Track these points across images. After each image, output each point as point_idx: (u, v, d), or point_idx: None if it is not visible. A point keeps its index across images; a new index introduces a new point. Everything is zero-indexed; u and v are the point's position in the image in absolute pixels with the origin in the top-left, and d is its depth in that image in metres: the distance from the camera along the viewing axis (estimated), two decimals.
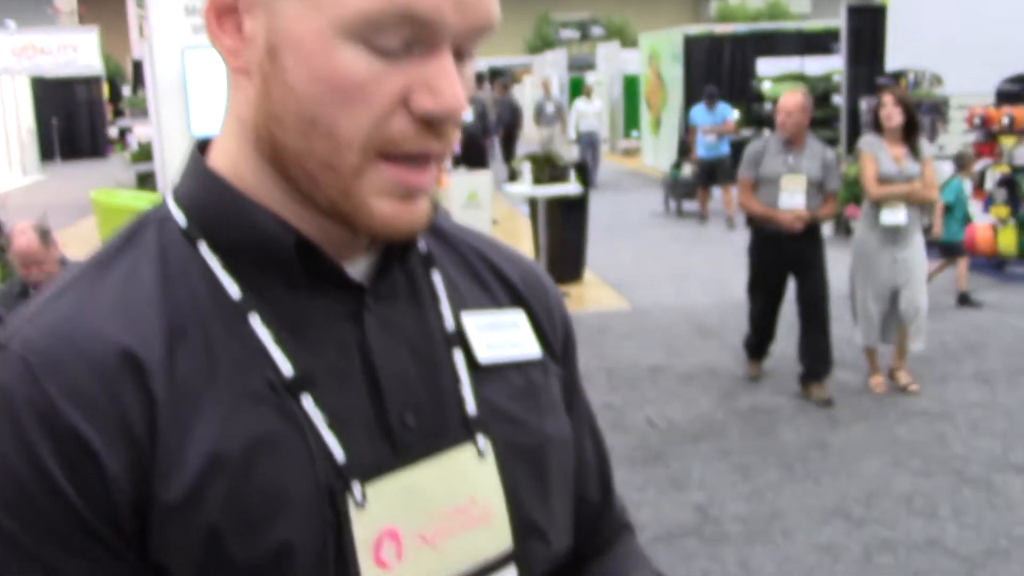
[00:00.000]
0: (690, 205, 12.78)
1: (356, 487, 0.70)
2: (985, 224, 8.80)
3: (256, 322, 0.71)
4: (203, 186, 0.75)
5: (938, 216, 7.69)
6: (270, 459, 0.68)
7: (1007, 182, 8.80)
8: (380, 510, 0.70)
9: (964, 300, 7.71)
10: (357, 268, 0.77)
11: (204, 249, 0.73)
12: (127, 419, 0.66)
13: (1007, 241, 8.76)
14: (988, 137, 8.97)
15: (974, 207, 8.53)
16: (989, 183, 8.98)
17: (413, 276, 0.81)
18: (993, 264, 8.86)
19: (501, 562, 0.76)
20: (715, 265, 9.45)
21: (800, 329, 5.72)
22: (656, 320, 7.71)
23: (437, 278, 0.83)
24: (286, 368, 0.71)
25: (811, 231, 5.53)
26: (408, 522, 0.72)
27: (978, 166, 8.82)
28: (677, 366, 6.47)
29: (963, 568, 3.76)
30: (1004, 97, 9.32)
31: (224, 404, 0.68)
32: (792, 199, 5.46)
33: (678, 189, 12.72)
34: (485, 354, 0.82)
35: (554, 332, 0.91)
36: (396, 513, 0.71)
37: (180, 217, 0.75)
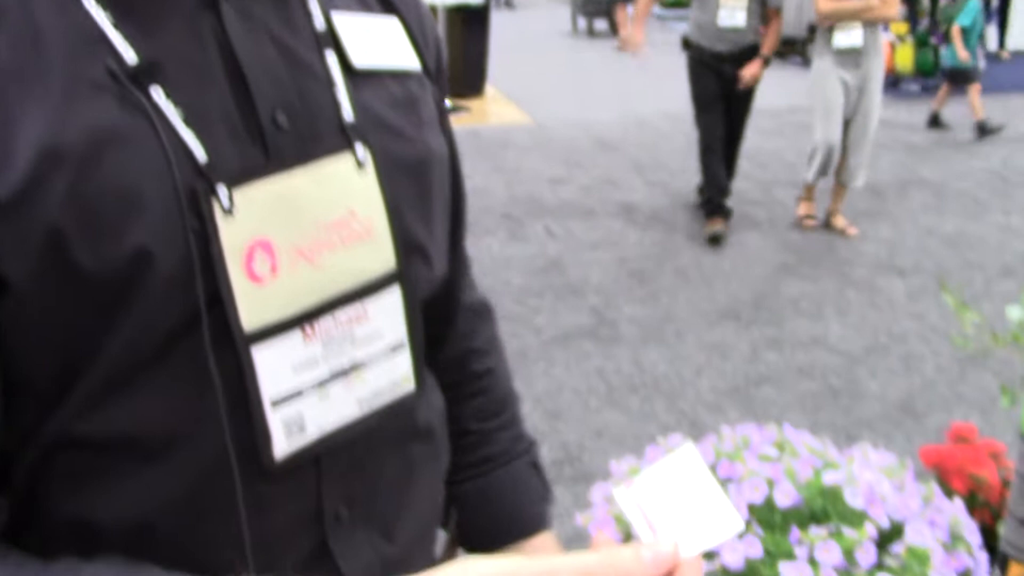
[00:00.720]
0: (601, 24, 12.50)
1: (222, 191, 0.63)
2: (883, 41, 8.84)
3: (90, 2, 0.62)
4: None
5: (957, 39, 7.45)
6: (117, 154, 0.60)
7: None
8: (250, 218, 0.64)
9: (983, 130, 7.45)
10: None
11: None
12: None
13: (904, 59, 8.85)
14: None
15: None
16: None
17: None
18: (888, 81, 8.95)
19: (384, 282, 0.71)
20: (620, 83, 9.36)
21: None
22: (558, 135, 7.65)
23: None
24: (129, 55, 0.62)
25: (752, 54, 5.18)
26: (282, 233, 0.65)
27: None
28: (578, 179, 6.46)
29: (844, 362, 3.92)
30: None
31: (56, 93, 0.60)
32: (732, 17, 5.09)
33: (588, 6, 12.36)
34: (361, 59, 0.74)
35: (427, 47, 0.84)
36: (268, 223, 0.65)
37: None
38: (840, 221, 5.48)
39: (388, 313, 0.71)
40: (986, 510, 1.51)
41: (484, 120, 7.96)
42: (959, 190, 6.30)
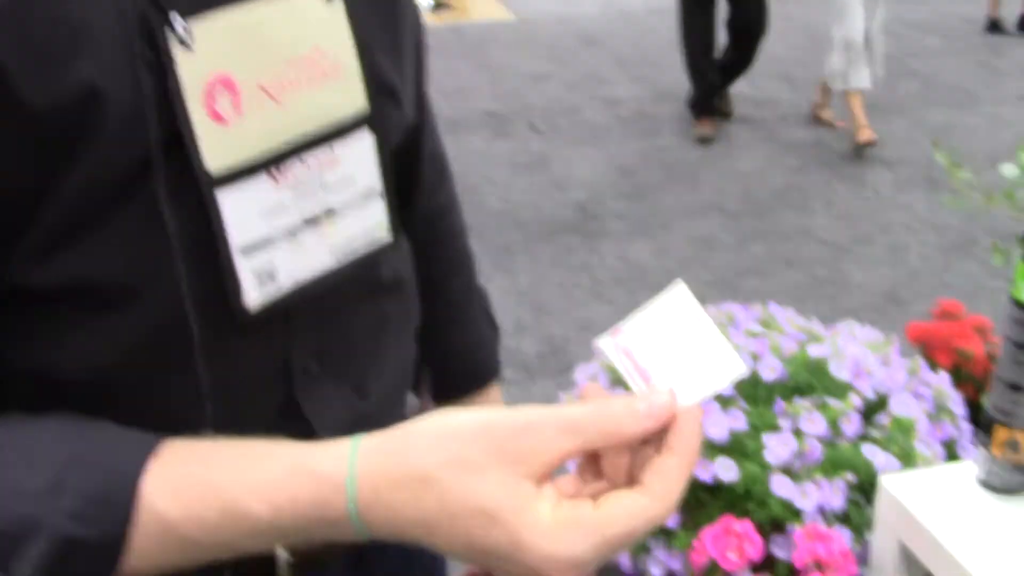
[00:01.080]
0: None
1: (178, 21, 0.58)
2: None
3: None
4: None
5: None
6: None
7: None
8: (210, 51, 0.59)
9: (994, 27, 7.23)
10: None
11: None
12: None
13: None
14: None
15: None
16: None
17: None
18: None
19: (354, 124, 0.66)
20: None
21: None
22: (542, 30, 7.49)
23: None
24: None
25: None
26: (245, 69, 0.61)
27: None
28: (562, 75, 6.34)
29: (830, 253, 3.91)
30: None
31: None
32: None
33: None
34: None
35: None
36: (230, 57, 0.60)
37: None
38: (827, 114, 5.39)
39: (359, 158, 0.67)
40: (971, 385, 1.50)
41: (466, 16, 7.79)
42: (948, 82, 6.21)
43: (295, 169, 0.63)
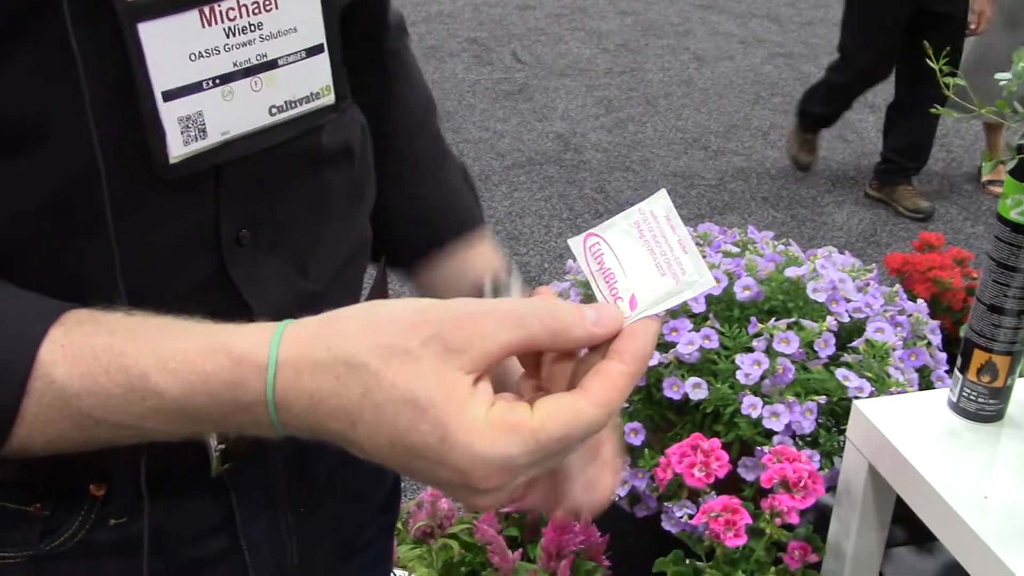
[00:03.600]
0: None
1: None
2: None
3: None
4: None
5: None
6: None
7: None
8: None
9: None
10: None
11: None
12: None
13: None
14: None
15: None
16: None
17: None
18: None
19: None
20: None
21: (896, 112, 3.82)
22: None
23: None
24: None
25: None
26: None
27: None
28: (547, 5, 6.23)
29: (811, 193, 3.87)
30: None
31: None
32: None
33: None
34: None
35: None
36: None
37: None
38: None
39: (302, 7, 0.61)
40: (948, 317, 1.48)
41: None
42: None
43: (228, 7, 0.57)
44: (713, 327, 1.21)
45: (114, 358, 0.50)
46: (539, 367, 0.51)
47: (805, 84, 4.97)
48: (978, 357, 1.00)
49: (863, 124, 4.55)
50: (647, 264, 0.52)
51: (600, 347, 0.50)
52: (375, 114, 0.77)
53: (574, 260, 0.56)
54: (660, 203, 0.53)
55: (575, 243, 0.55)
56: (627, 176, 3.95)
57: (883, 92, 4.89)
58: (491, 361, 0.48)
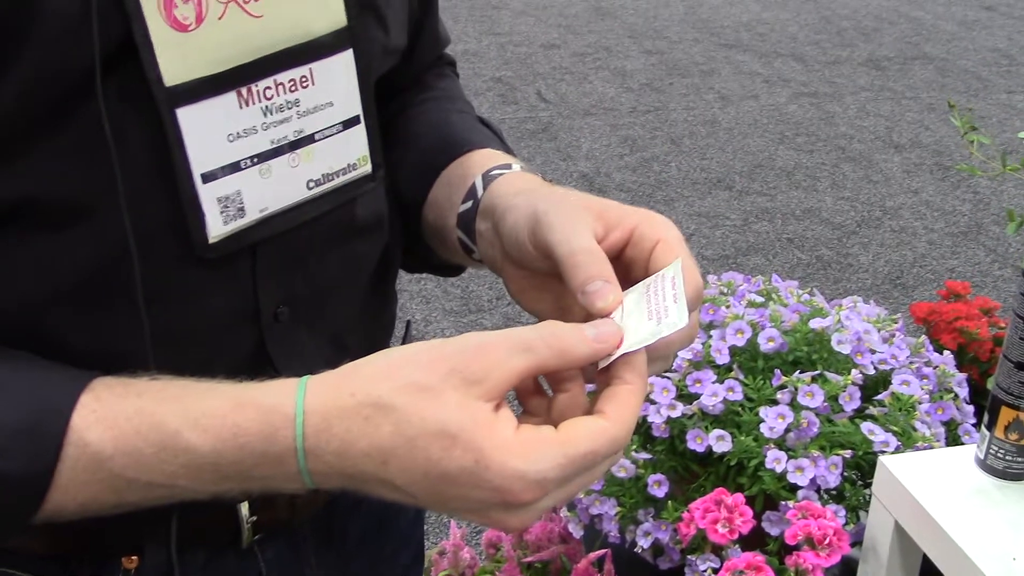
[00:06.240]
0: None
1: None
2: None
3: None
4: None
5: None
6: None
7: None
8: None
9: None
10: None
11: None
12: None
13: None
14: None
15: None
16: None
17: None
18: None
19: (333, 42, 0.61)
20: None
21: None
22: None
23: None
24: None
25: None
26: None
27: None
28: (572, 44, 6.26)
29: (836, 235, 3.86)
30: None
31: None
32: None
33: None
34: None
35: None
36: None
37: None
38: None
39: (339, 80, 0.62)
40: (975, 368, 1.46)
41: None
42: (963, 67, 6.14)
43: (266, 88, 0.58)
44: (737, 378, 1.20)
45: (145, 419, 0.51)
46: (547, 407, 0.53)
47: (830, 124, 4.98)
48: (1005, 415, 0.99)
49: (888, 164, 4.54)
50: (640, 312, 0.56)
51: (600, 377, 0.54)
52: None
53: None
54: (673, 269, 0.57)
55: None
56: None
57: (907, 132, 4.88)
58: (508, 387, 0.50)
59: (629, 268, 0.60)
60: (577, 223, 0.57)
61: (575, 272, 0.55)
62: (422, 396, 0.48)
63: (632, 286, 0.59)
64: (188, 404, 0.51)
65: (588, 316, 0.55)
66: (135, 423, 0.50)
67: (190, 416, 0.50)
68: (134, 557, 0.63)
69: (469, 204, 0.67)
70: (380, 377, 0.50)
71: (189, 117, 0.55)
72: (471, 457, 0.48)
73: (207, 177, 0.56)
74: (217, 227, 0.57)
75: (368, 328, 0.72)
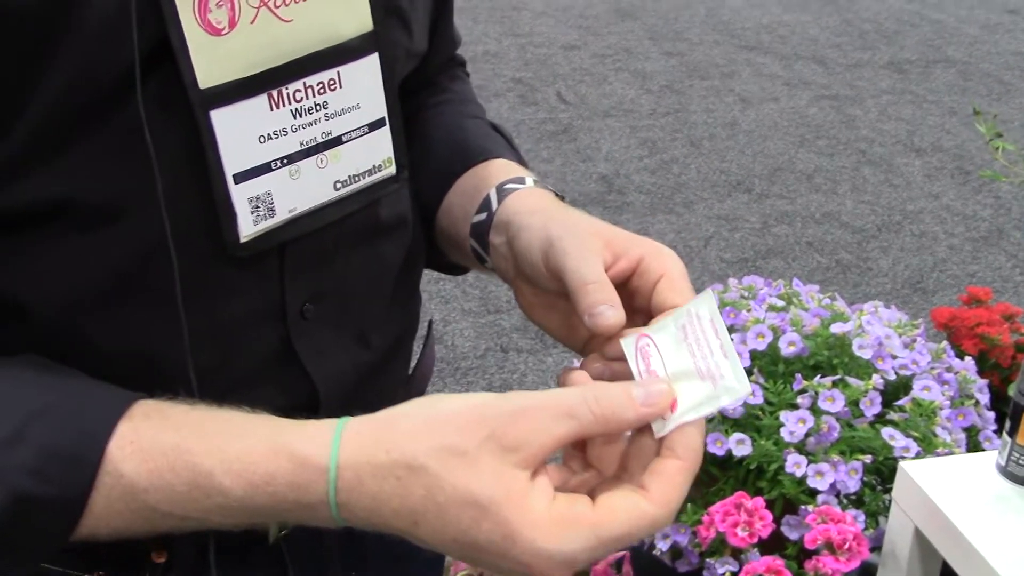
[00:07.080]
0: None
1: None
2: None
3: None
4: None
5: None
6: None
7: None
8: None
9: None
10: None
11: None
12: None
13: None
14: None
15: None
16: None
17: None
18: None
19: (359, 46, 0.62)
20: None
21: None
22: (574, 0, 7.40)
23: None
24: None
25: None
26: None
27: None
28: (592, 46, 6.27)
29: (855, 238, 3.85)
30: None
31: None
32: None
33: None
34: None
35: None
36: None
37: None
38: None
39: (365, 83, 0.63)
40: (996, 374, 1.46)
41: None
42: (985, 71, 6.10)
43: (295, 91, 0.59)
44: (757, 382, 1.21)
45: (180, 455, 0.52)
46: (586, 447, 0.53)
47: (850, 127, 4.96)
48: None
49: (909, 168, 4.52)
50: (688, 368, 0.54)
51: (647, 429, 0.52)
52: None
53: (623, 341, 0.59)
54: (706, 305, 0.56)
55: (627, 343, 0.58)
56: (670, 219, 3.95)
57: (928, 136, 4.86)
58: (547, 455, 0.50)
59: (633, 296, 0.60)
60: (589, 253, 0.58)
61: (583, 300, 0.55)
62: (457, 461, 0.48)
63: (657, 320, 0.58)
64: (224, 444, 0.52)
65: (594, 334, 0.56)
66: (171, 459, 0.51)
67: (224, 458, 0.51)
68: (163, 551, 0.64)
69: (483, 216, 0.68)
70: (417, 435, 0.49)
71: (222, 119, 0.56)
72: (500, 532, 0.48)
73: (239, 178, 0.57)
74: (248, 227, 0.58)
75: (392, 326, 0.73)
